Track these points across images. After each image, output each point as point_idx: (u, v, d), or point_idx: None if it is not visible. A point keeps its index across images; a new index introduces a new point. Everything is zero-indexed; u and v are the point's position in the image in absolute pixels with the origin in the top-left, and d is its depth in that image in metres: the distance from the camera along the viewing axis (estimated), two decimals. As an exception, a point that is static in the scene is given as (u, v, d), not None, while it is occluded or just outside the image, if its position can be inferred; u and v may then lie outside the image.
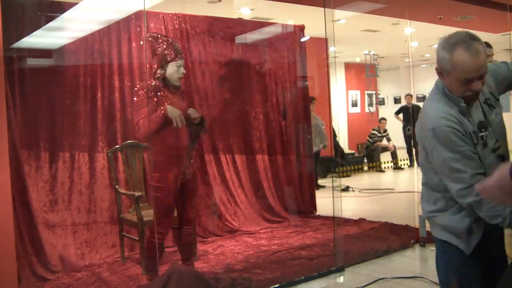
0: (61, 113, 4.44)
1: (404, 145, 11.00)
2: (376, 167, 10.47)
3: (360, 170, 10.33)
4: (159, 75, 3.41)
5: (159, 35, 3.58)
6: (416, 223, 4.65)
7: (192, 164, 3.63)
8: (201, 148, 5.26)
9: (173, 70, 3.43)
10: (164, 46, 3.44)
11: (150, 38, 3.53)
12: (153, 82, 3.40)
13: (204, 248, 4.67)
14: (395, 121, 11.01)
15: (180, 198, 3.57)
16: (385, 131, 10.73)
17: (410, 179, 9.31)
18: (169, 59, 3.41)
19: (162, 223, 3.48)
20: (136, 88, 3.50)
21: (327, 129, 7.97)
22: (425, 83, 14.20)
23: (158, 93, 3.37)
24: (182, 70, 3.47)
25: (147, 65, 3.54)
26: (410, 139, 10.44)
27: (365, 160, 10.66)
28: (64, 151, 4.42)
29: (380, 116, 11.62)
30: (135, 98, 3.44)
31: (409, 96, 10.65)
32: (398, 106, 14.13)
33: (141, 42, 4.16)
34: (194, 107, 5.17)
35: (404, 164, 10.78)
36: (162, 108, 3.29)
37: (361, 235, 4.92)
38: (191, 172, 3.61)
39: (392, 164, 10.73)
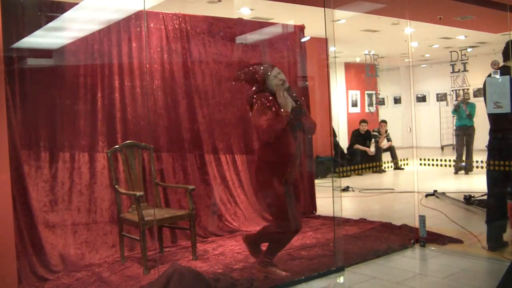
0: (61, 113, 4.44)
1: (404, 145, 11.01)
2: (377, 167, 10.45)
3: (360, 170, 10.31)
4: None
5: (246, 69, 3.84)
6: (416, 223, 4.65)
7: (295, 171, 3.70)
8: (201, 148, 5.26)
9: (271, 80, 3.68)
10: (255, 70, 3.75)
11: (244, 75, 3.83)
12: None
13: (204, 248, 4.67)
14: (395, 122, 10.99)
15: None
16: (386, 131, 10.72)
17: (410, 179, 9.31)
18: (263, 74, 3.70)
19: (287, 225, 3.59)
20: (254, 97, 3.68)
21: (327, 129, 7.97)
22: (425, 83, 14.29)
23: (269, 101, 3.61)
24: (280, 77, 3.68)
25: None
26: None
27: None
28: (64, 151, 4.43)
29: (381, 116, 11.62)
30: (255, 107, 3.62)
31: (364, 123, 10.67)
32: (398, 106, 14.19)
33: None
34: (194, 107, 5.21)
35: (404, 164, 10.77)
36: (284, 111, 3.52)
37: (361, 235, 4.92)
38: (293, 178, 3.67)
39: (392, 164, 10.72)
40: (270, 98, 3.62)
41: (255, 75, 3.73)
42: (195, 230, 4.35)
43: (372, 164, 10.43)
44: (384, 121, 10.82)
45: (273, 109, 3.56)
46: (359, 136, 10.63)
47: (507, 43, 4.25)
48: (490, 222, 4.38)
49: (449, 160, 5.61)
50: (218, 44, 5.45)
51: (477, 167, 5.21)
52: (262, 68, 3.73)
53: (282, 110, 3.53)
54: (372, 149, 10.54)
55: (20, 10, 4.13)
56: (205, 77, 5.35)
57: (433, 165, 5.55)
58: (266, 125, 3.49)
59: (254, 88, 3.75)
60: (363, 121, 10.77)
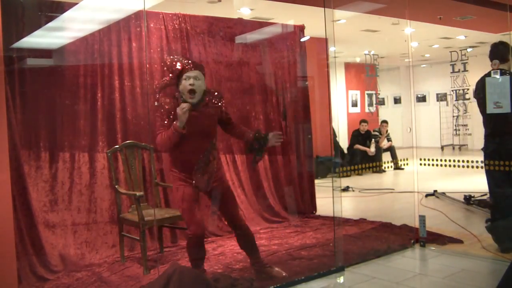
0: (61, 113, 4.44)
1: (404, 145, 10.99)
2: (377, 167, 10.45)
3: (360, 170, 10.32)
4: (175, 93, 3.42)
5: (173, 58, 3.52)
6: (416, 223, 4.65)
7: (214, 173, 3.55)
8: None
9: (181, 80, 3.38)
10: (174, 63, 3.42)
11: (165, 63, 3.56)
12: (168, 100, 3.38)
13: (204, 248, 4.67)
14: (395, 122, 10.98)
15: (220, 207, 3.65)
16: (386, 131, 10.73)
17: (410, 179, 9.31)
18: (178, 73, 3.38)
19: (190, 227, 3.43)
20: (156, 104, 3.45)
21: (327, 129, 7.97)
22: (425, 83, 14.29)
23: (171, 114, 3.33)
24: (190, 81, 3.35)
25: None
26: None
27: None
28: (64, 151, 4.42)
29: (381, 116, 11.61)
30: (156, 104, 3.43)
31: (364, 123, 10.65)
32: (398, 106, 14.19)
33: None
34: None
35: (404, 164, 10.77)
36: (174, 124, 3.28)
37: (361, 235, 4.92)
38: (209, 181, 3.50)
39: (392, 164, 10.72)
40: (171, 100, 3.36)
41: (172, 67, 3.38)
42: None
43: (372, 164, 10.42)
44: (385, 121, 10.84)
45: (171, 116, 3.30)
46: (359, 136, 10.63)
47: (492, 46, 4.31)
48: (497, 223, 4.32)
49: (449, 160, 5.60)
50: (218, 44, 5.45)
51: (477, 167, 5.21)
52: (182, 63, 3.37)
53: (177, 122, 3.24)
54: (372, 149, 10.54)
55: (20, 10, 4.13)
56: (205, 77, 5.33)
57: (433, 165, 5.55)
58: (158, 138, 3.31)
59: (166, 79, 3.44)
60: (363, 121, 10.77)
